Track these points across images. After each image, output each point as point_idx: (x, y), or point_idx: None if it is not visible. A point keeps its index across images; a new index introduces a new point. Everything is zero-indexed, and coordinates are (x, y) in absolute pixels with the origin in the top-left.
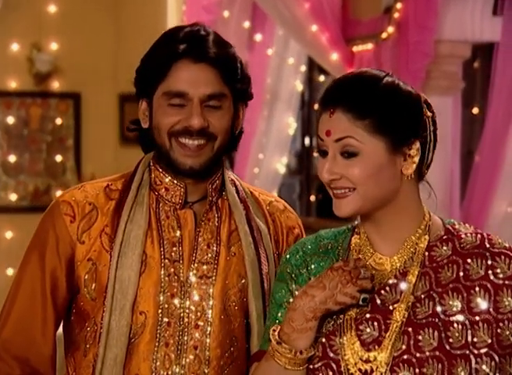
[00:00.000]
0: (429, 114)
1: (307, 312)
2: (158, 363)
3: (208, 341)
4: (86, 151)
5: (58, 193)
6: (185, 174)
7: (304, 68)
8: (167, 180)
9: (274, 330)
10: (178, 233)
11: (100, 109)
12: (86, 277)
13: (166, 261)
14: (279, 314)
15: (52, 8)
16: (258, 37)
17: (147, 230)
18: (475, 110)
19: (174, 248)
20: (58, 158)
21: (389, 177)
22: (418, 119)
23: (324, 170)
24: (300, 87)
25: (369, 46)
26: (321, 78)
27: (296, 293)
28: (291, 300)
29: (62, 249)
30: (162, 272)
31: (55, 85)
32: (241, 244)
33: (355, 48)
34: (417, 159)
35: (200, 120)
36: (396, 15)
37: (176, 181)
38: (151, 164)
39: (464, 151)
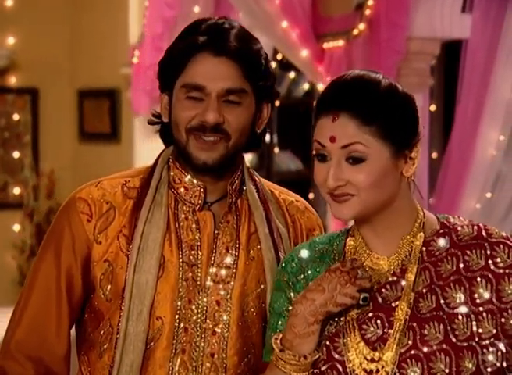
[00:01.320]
0: (418, 114)
1: (309, 316)
2: (174, 370)
3: (225, 348)
4: (44, 147)
5: (16, 190)
6: (200, 169)
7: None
8: (186, 179)
9: (276, 339)
10: (197, 236)
11: (58, 105)
12: (102, 278)
13: (184, 265)
14: (279, 323)
15: (9, 2)
16: None
17: (166, 233)
18: (432, 107)
19: (192, 252)
20: (16, 154)
21: (392, 181)
22: (417, 119)
23: (330, 177)
24: None
25: (340, 43)
26: (292, 75)
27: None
28: (290, 308)
29: (78, 248)
30: (180, 276)
31: (12, 80)
32: (261, 248)
33: (325, 45)
34: (417, 161)
35: (216, 116)
36: (368, 12)
37: (195, 181)
38: (170, 161)
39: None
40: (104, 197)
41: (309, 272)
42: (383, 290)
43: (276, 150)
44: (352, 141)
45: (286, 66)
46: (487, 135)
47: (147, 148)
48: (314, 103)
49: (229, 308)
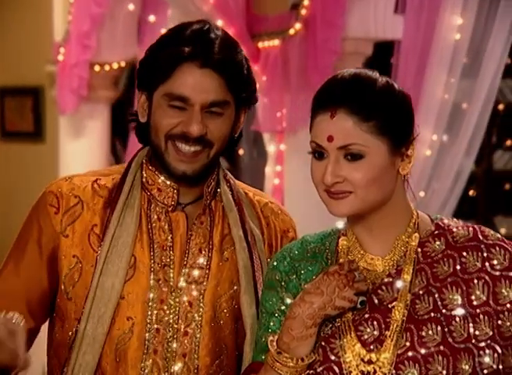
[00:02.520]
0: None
1: (307, 319)
2: (146, 371)
3: (197, 348)
4: None
5: None
6: (177, 179)
7: None
8: (160, 180)
9: (272, 341)
10: (169, 236)
11: None
12: (67, 273)
13: (156, 265)
14: (271, 323)
15: None
16: (149, 33)
17: (137, 233)
18: None
19: (164, 252)
20: None
21: (389, 179)
22: (412, 117)
23: (327, 173)
24: None
25: (276, 42)
26: None
27: (287, 300)
28: (283, 308)
29: (45, 241)
30: (152, 277)
31: None
32: (234, 249)
33: (261, 44)
34: (413, 159)
35: (200, 128)
36: (304, 11)
37: (168, 182)
38: (144, 162)
39: None
40: (73, 191)
41: (302, 271)
42: (379, 291)
43: None
44: (349, 142)
45: None
46: (420, 135)
47: (72, 148)
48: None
49: (201, 309)
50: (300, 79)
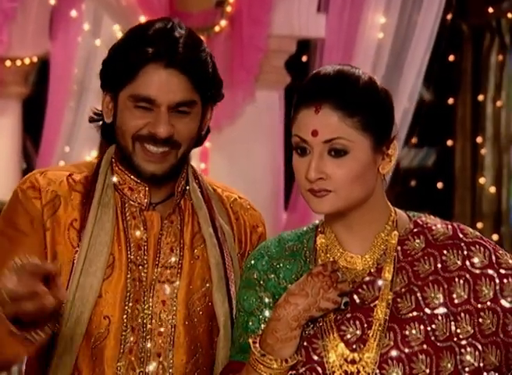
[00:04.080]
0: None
1: (292, 320)
2: (121, 370)
3: (171, 348)
4: None
5: None
6: (147, 179)
7: None
8: (130, 180)
9: (254, 342)
10: (144, 235)
11: None
12: None
13: (132, 264)
14: (250, 323)
15: None
16: (64, 28)
17: (115, 232)
18: None
19: (139, 251)
20: None
21: (371, 177)
22: (393, 115)
23: (311, 169)
24: None
25: None
26: None
27: (266, 300)
28: (261, 307)
29: (37, 231)
30: (128, 275)
31: None
32: (205, 247)
33: None
34: (394, 158)
35: (167, 129)
36: (229, 8)
37: (139, 181)
38: (113, 161)
39: None
40: (50, 186)
41: (280, 270)
42: (360, 290)
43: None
44: (335, 136)
45: None
46: None
47: None
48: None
49: (174, 308)
50: (226, 76)
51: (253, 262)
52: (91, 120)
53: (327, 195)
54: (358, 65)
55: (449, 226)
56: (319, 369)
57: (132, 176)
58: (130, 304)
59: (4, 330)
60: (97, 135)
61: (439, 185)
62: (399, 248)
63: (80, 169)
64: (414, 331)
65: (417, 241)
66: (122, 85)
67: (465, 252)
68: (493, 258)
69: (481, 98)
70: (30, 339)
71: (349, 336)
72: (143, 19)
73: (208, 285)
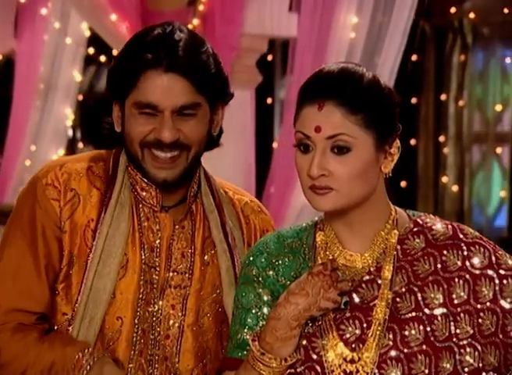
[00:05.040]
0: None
1: (292, 320)
2: (132, 372)
3: (178, 352)
4: None
5: None
6: (159, 186)
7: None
8: (141, 180)
9: (254, 341)
10: (157, 237)
11: None
12: (61, 268)
13: (145, 266)
14: (248, 319)
15: None
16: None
17: (129, 233)
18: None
19: (152, 254)
20: None
21: (373, 175)
22: (396, 114)
23: (313, 165)
24: (78, 76)
25: None
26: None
27: (265, 297)
28: (260, 304)
29: (54, 234)
30: (142, 277)
31: None
32: (215, 252)
33: None
34: (396, 157)
35: (172, 133)
36: (201, 7)
37: (150, 183)
38: (127, 162)
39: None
40: (69, 183)
41: (279, 267)
42: (359, 289)
43: (80, 145)
44: (338, 131)
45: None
46: None
47: None
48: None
49: (183, 313)
50: None
51: (251, 258)
52: (102, 131)
53: (329, 193)
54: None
55: (449, 226)
56: (318, 368)
57: (142, 178)
58: (142, 306)
59: None
60: (64, 134)
61: (403, 184)
62: (398, 247)
63: (97, 160)
64: (413, 331)
65: (417, 240)
66: (126, 93)
67: (465, 253)
68: (493, 258)
69: (443, 97)
70: None
71: (348, 335)
72: (113, 17)
73: (218, 291)
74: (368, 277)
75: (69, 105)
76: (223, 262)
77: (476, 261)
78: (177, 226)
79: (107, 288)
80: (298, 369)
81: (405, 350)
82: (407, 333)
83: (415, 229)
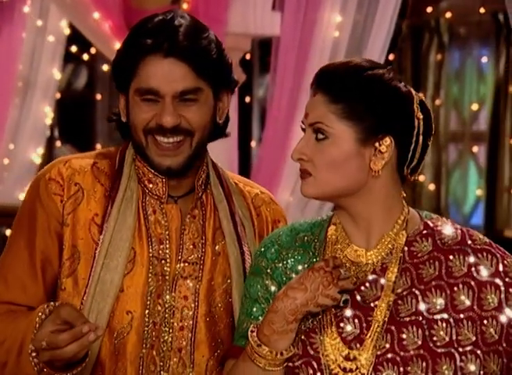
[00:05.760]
0: (420, 116)
1: (288, 314)
2: (144, 365)
3: (192, 343)
4: None
5: None
6: (164, 174)
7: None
8: (148, 171)
9: (252, 332)
10: (165, 229)
11: None
12: (63, 263)
13: (154, 259)
14: (254, 309)
15: None
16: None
17: (136, 226)
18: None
19: (161, 246)
20: None
21: (355, 168)
22: (396, 115)
23: (294, 149)
24: (57, 75)
25: None
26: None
27: (272, 288)
28: (266, 295)
29: (54, 228)
30: (150, 270)
31: None
32: (225, 243)
33: None
34: (386, 156)
35: (173, 118)
36: (185, 6)
37: (156, 173)
38: (133, 155)
39: None
40: (73, 177)
41: (289, 260)
42: (362, 288)
43: (58, 144)
44: (316, 120)
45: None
46: (301, 130)
47: None
48: (97, 96)
49: (196, 304)
50: None
51: (262, 249)
52: (109, 120)
53: (308, 178)
54: (314, 63)
55: (459, 231)
56: (314, 363)
57: (150, 169)
58: (152, 299)
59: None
60: (43, 132)
61: None
62: (406, 248)
63: (103, 157)
64: (411, 335)
65: (425, 243)
66: (129, 81)
67: (471, 259)
68: (500, 266)
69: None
70: None
71: (347, 333)
72: (96, 15)
73: (229, 281)
74: (371, 277)
75: (48, 103)
76: (232, 253)
77: (482, 268)
78: (188, 216)
79: (114, 282)
80: (296, 363)
81: (401, 353)
82: (404, 336)
83: (424, 231)
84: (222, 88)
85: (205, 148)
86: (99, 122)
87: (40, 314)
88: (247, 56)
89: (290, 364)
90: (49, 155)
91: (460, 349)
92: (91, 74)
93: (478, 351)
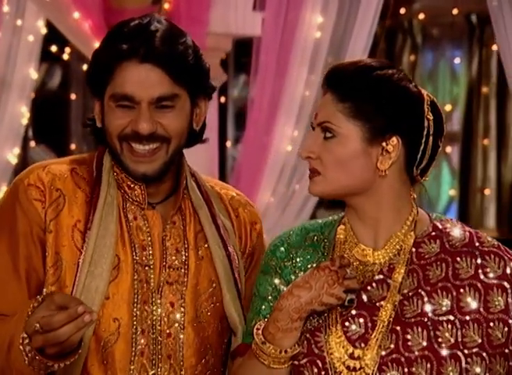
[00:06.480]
0: (430, 117)
1: (293, 312)
2: (134, 374)
3: (181, 349)
4: None
5: None
6: (139, 180)
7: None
8: (126, 178)
9: (257, 329)
10: (147, 236)
11: None
12: (47, 270)
13: (138, 265)
14: (263, 307)
15: None
16: None
17: (119, 233)
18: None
19: (144, 252)
20: None
21: (361, 167)
22: (405, 116)
23: (302, 147)
24: (34, 74)
25: None
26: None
27: (281, 287)
28: (275, 294)
29: (36, 234)
30: (135, 277)
31: None
32: (208, 246)
33: None
34: (393, 156)
35: (149, 125)
36: (167, 6)
37: (133, 179)
38: (112, 161)
39: None
40: (54, 183)
41: (298, 259)
42: (369, 288)
43: (32, 144)
44: (324, 119)
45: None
46: (282, 131)
47: None
48: (71, 96)
49: (182, 310)
50: None
51: (272, 248)
52: (84, 125)
53: (316, 177)
54: (295, 64)
55: (467, 233)
56: (319, 362)
57: (127, 175)
58: (139, 306)
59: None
60: (19, 132)
61: None
62: (414, 250)
63: (80, 163)
64: (416, 336)
65: (433, 245)
66: (104, 87)
67: (479, 261)
68: (508, 269)
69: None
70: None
71: (352, 332)
72: (76, 15)
73: (214, 285)
74: (378, 277)
75: (24, 103)
76: (217, 256)
77: (489, 270)
78: (168, 222)
79: (99, 289)
80: (301, 362)
81: (406, 354)
82: (409, 336)
83: (433, 233)
84: (199, 94)
85: (182, 153)
86: (74, 122)
87: (32, 304)
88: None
89: (295, 362)
90: (24, 156)
91: (466, 351)
92: (66, 74)
93: (484, 354)
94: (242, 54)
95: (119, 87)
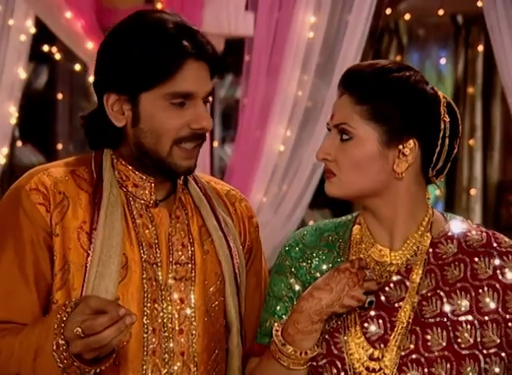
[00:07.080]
0: (447, 119)
1: (313, 314)
2: (147, 373)
3: (193, 345)
4: None
5: None
6: (177, 175)
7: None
8: (135, 176)
9: (277, 331)
10: (154, 233)
11: None
12: (55, 274)
13: (146, 264)
14: (278, 308)
15: None
16: None
17: (125, 232)
18: None
19: (152, 250)
20: None
21: (377, 170)
22: (422, 118)
23: (319, 149)
24: (23, 74)
25: None
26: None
27: (296, 287)
28: (290, 294)
29: (43, 240)
30: (144, 275)
31: None
32: (212, 240)
33: None
34: (410, 158)
35: (210, 121)
36: (159, 6)
37: (145, 177)
38: (113, 159)
39: None
40: (57, 186)
41: (313, 259)
42: (387, 289)
43: (19, 144)
44: (341, 121)
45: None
46: (274, 131)
47: None
48: (58, 95)
49: (193, 305)
50: None
51: (287, 248)
52: (84, 125)
53: (332, 178)
54: (288, 64)
55: (484, 234)
56: (338, 363)
57: (137, 172)
58: (149, 304)
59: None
60: (8, 132)
61: None
62: (431, 250)
63: (78, 164)
64: (435, 336)
65: (450, 245)
66: (151, 85)
67: (497, 262)
68: None
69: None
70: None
71: (371, 334)
72: (68, 15)
73: (220, 279)
74: (396, 278)
75: (13, 103)
76: (221, 250)
77: (508, 271)
78: (173, 217)
79: (109, 289)
80: (320, 363)
81: (426, 354)
82: (429, 337)
83: (449, 233)
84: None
85: None
86: (60, 122)
87: (60, 313)
88: None
89: (314, 363)
90: (11, 155)
91: (485, 351)
92: (52, 73)
93: (503, 354)
94: (228, 54)
95: (181, 86)
